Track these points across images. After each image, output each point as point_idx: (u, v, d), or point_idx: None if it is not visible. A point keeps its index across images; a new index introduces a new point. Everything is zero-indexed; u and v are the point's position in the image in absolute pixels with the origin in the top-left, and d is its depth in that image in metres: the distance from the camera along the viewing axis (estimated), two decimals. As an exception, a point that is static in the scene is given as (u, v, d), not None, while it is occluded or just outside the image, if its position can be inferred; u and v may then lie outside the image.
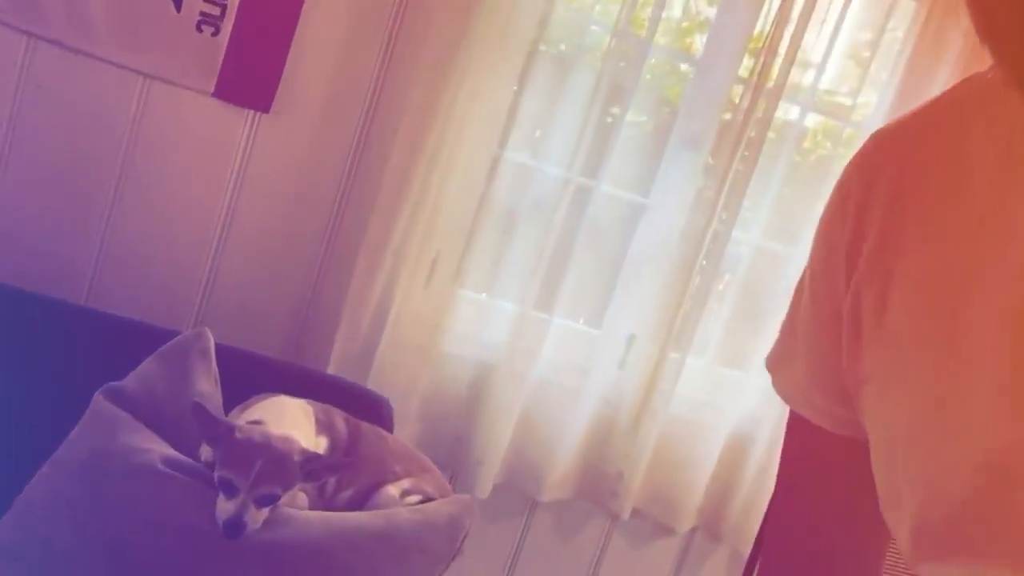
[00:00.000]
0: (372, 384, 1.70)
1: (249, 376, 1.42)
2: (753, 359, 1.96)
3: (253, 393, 1.36)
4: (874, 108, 1.94)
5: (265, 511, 1.16)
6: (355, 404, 1.44)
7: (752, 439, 1.95)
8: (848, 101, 1.99)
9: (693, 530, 2.03)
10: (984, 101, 0.54)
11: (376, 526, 1.22)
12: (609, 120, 1.85)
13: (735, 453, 1.95)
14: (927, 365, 0.51)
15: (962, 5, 0.45)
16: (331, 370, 1.70)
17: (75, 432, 1.24)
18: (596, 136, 1.82)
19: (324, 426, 1.31)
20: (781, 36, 1.82)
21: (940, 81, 1.83)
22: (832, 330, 0.59)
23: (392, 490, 1.31)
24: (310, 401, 1.34)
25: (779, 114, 1.87)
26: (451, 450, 1.83)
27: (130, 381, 1.29)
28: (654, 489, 1.95)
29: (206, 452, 1.23)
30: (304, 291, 1.77)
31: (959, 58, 1.82)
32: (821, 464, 0.65)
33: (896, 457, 0.53)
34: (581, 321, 1.96)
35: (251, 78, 1.70)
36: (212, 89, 1.68)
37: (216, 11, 1.64)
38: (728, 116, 1.86)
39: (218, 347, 1.38)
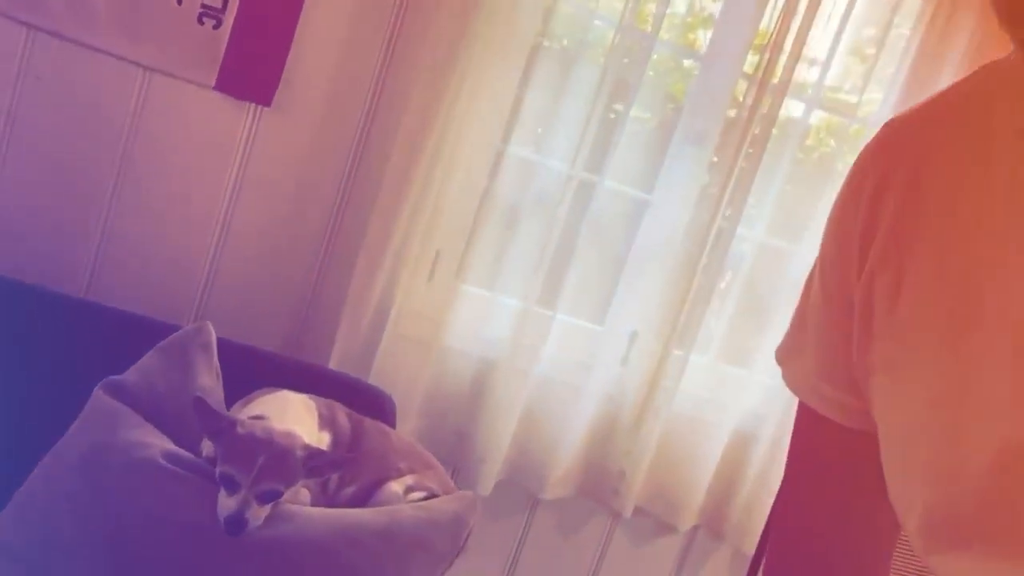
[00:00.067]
0: (373, 380, 1.69)
1: (250, 371, 1.41)
2: (756, 356, 1.95)
3: (254, 388, 1.34)
4: (879, 105, 1.93)
5: (267, 507, 1.15)
6: (357, 400, 1.43)
7: (755, 437, 1.94)
8: (853, 98, 1.98)
9: (695, 528, 2.02)
10: (1003, 87, 0.53)
11: (379, 523, 1.21)
12: (612, 116, 1.84)
13: (738, 451, 1.94)
14: (941, 355, 0.51)
15: (968, 2, 0.44)
16: (332, 366, 1.69)
17: (75, 426, 1.23)
18: (600, 132, 1.81)
19: (327, 421, 1.30)
20: (786, 32, 1.81)
21: (946, 78, 1.82)
22: (842, 320, 0.58)
23: (395, 487, 1.29)
24: (313, 396, 1.32)
25: (784, 111, 1.86)
26: (453, 447, 1.81)
27: (130, 375, 1.27)
28: (656, 487, 1.94)
29: (207, 447, 1.22)
30: (305, 286, 1.76)
31: (964, 56, 1.81)
32: (830, 456, 0.65)
33: (907, 448, 0.53)
34: (584, 318, 1.95)
35: (252, 71, 1.69)
36: (213, 82, 1.67)
37: (218, 3, 1.63)
38: (732, 113, 1.85)
39: (219, 342, 1.37)
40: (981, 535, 0.47)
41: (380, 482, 1.30)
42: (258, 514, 1.14)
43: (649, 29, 1.81)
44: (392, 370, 1.74)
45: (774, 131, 1.85)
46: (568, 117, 1.79)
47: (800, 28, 1.81)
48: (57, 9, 1.56)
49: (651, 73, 1.85)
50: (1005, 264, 0.49)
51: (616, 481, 1.90)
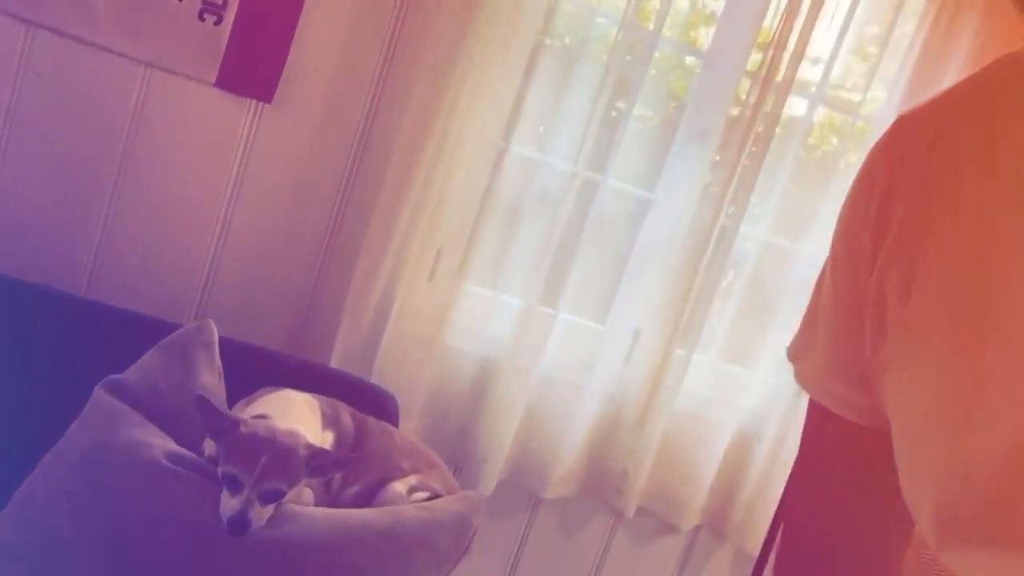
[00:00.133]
0: (375, 379, 1.68)
1: (252, 370, 1.40)
2: (759, 356, 1.95)
3: (256, 387, 1.34)
4: (883, 104, 1.93)
5: (270, 507, 1.14)
6: (360, 399, 1.42)
7: (758, 436, 1.94)
8: (857, 96, 1.97)
9: (697, 528, 2.02)
10: (1014, 81, 0.53)
11: (383, 524, 1.20)
12: (614, 114, 1.84)
13: (740, 450, 1.94)
14: (953, 352, 0.50)
15: (972, 1, 0.44)
16: (333, 365, 1.68)
17: (75, 425, 1.21)
18: (602, 130, 1.80)
19: (330, 421, 1.29)
20: (790, 30, 1.80)
21: (949, 77, 1.82)
22: (853, 318, 0.58)
23: (399, 487, 1.28)
24: (316, 395, 1.32)
25: (787, 109, 1.86)
26: (454, 446, 1.81)
27: (131, 374, 1.26)
28: (658, 486, 1.93)
29: (210, 447, 1.21)
30: (306, 284, 1.75)
31: (968, 55, 1.80)
32: (840, 454, 0.65)
33: (921, 442, 0.53)
34: (586, 316, 1.94)
35: (253, 68, 1.68)
36: (214, 79, 1.66)
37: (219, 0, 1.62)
38: (736, 111, 1.84)
39: (221, 340, 1.36)
40: (992, 531, 0.47)
41: (384, 482, 1.29)
42: (261, 514, 1.13)
43: (651, 27, 1.80)
44: (393, 369, 1.73)
45: (777, 130, 1.85)
46: (570, 115, 1.78)
47: (803, 26, 1.80)
48: (57, 6, 1.55)
49: (653, 71, 1.85)
50: (1016, 261, 0.48)
51: (618, 480, 1.89)
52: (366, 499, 1.28)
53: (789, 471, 1.86)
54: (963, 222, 0.52)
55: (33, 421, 1.27)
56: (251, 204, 1.71)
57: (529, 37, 1.72)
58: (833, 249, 0.62)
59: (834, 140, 2.03)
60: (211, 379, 1.27)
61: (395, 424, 1.48)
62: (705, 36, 1.94)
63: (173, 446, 1.17)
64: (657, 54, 1.83)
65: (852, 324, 0.58)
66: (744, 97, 1.84)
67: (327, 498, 1.25)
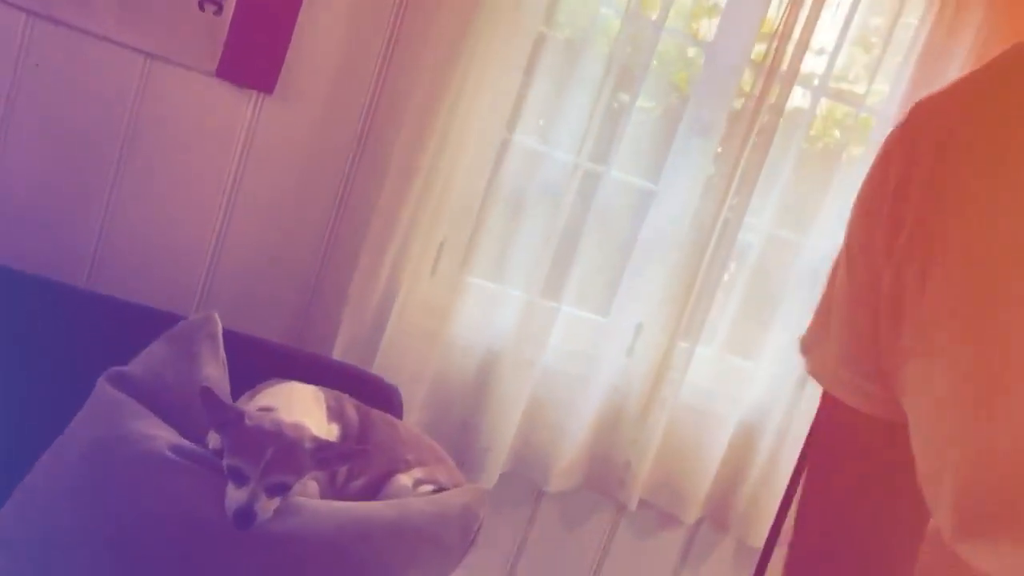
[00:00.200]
0: (377, 371, 1.67)
1: (256, 362, 1.39)
2: (762, 348, 1.95)
3: (260, 380, 1.33)
4: (887, 96, 1.92)
5: (276, 500, 1.14)
6: (364, 391, 1.41)
7: (760, 429, 1.94)
8: (861, 88, 1.97)
9: (700, 520, 2.02)
10: None
11: (389, 517, 1.19)
12: (616, 106, 1.83)
13: (743, 443, 1.94)
14: (976, 337, 0.50)
15: None
16: (336, 357, 1.67)
17: (78, 418, 1.21)
18: (605, 122, 1.79)
19: (335, 413, 1.28)
20: (794, 22, 1.79)
21: (953, 70, 1.82)
22: (869, 306, 0.58)
23: (404, 480, 1.28)
24: (321, 387, 1.31)
25: (791, 101, 1.85)
26: (457, 439, 1.80)
27: (135, 365, 1.25)
28: (661, 479, 1.93)
29: (214, 439, 1.20)
30: (309, 276, 1.74)
31: (972, 48, 1.80)
32: (854, 445, 0.65)
33: (940, 432, 0.52)
34: (589, 309, 1.94)
35: (254, 58, 1.67)
36: (215, 69, 1.65)
37: (219, -11, 1.61)
38: (739, 102, 1.84)
39: (224, 332, 1.35)
40: (1012, 521, 0.47)
41: (389, 475, 1.29)
42: (267, 507, 1.12)
43: (655, 17, 1.80)
44: (396, 361, 1.72)
45: (780, 121, 1.84)
46: (573, 107, 1.77)
47: (808, 17, 1.79)
48: (57, -6, 1.54)
49: (656, 62, 1.84)
50: None
51: (621, 473, 1.89)
52: (371, 492, 1.27)
53: (792, 463, 1.87)
54: (979, 211, 0.51)
55: (35, 414, 1.26)
56: (252, 196, 1.70)
57: (532, 28, 1.71)
58: (847, 240, 0.61)
59: (837, 132, 2.03)
60: (215, 371, 1.27)
61: (399, 416, 1.47)
62: (708, 27, 1.93)
63: (178, 439, 1.17)
64: (660, 45, 1.82)
65: (867, 315, 0.58)
66: (747, 89, 1.83)
67: (332, 491, 1.25)
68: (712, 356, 1.96)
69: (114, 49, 1.58)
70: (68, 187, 1.62)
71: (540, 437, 1.86)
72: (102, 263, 1.64)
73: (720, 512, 1.97)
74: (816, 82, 1.90)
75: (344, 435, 1.27)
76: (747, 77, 1.84)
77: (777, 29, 1.80)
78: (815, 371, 0.65)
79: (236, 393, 1.31)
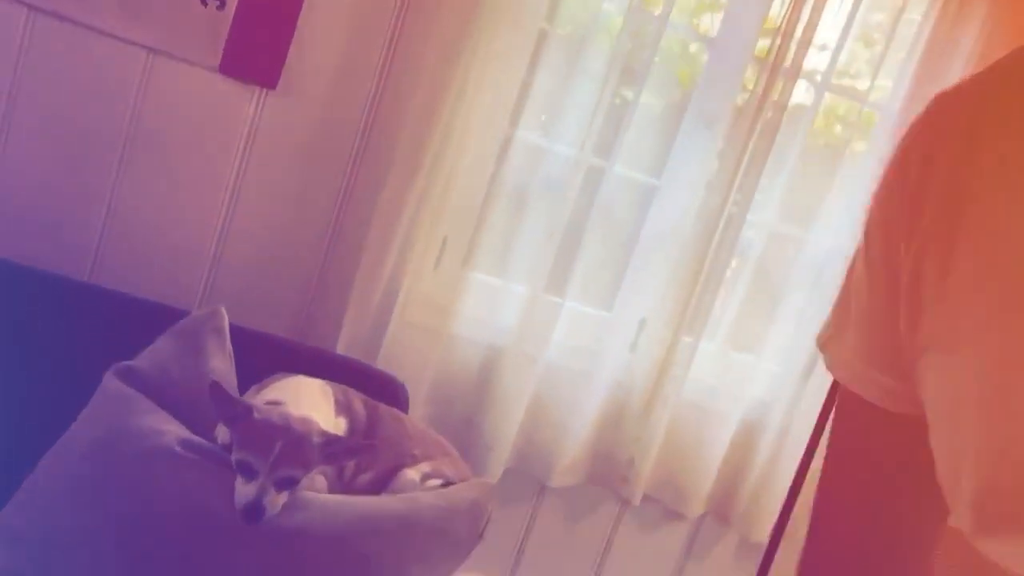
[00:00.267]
0: (381, 367, 1.67)
1: (263, 357, 1.38)
2: (765, 343, 1.95)
3: (266, 375, 1.32)
4: (890, 92, 1.93)
5: (284, 495, 1.13)
6: (369, 386, 1.41)
7: (763, 425, 1.94)
8: (864, 84, 1.97)
9: (702, 516, 2.02)
10: None
11: (398, 511, 1.19)
12: (617, 102, 1.83)
13: (746, 439, 1.94)
14: (993, 330, 0.50)
15: None
16: (339, 352, 1.66)
17: (86, 412, 1.20)
18: (608, 117, 1.79)
19: (343, 407, 1.28)
20: (797, 17, 1.79)
21: (956, 66, 1.82)
22: (888, 299, 0.57)
23: (412, 474, 1.28)
24: (329, 382, 1.30)
25: (794, 97, 1.85)
26: (460, 434, 1.80)
27: (141, 360, 1.25)
28: (664, 474, 1.94)
29: (222, 433, 1.19)
30: (312, 272, 1.74)
31: (976, 43, 1.80)
32: (872, 441, 0.64)
33: (960, 424, 0.52)
34: (592, 304, 1.94)
35: (257, 53, 1.66)
36: (217, 64, 1.64)
37: (222, -17, 1.60)
38: (742, 98, 1.84)
39: (231, 327, 1.34)
40: None
41: (396, 469, 1.28)
42: (276, 501, 1.12)
43: (659, 12, 1.80)
44: (400, 357, 1.72)
45: (784, 117, 1.84)
46: (577, 102, 1.77)
47: (811, 13, 1.80)
48: (59, -12, 1.53)
49: (659, 58, 1.84)
50: None
51: (625, 468, 1.89)
52: (379, 486, 1.27)
53: (795, 459, 1.87)
54: (1004, 200, 0.51)
55: (40, 408, 1.25)
56: (255, 192, 1.69)
57: (536, 20, 1.70)
58: (867, 229, 0.61)
59: (841, 128, 2.03)
60: (223, 365, 1.26)
61: (405, 412, 1.47)
62: (711, 22, 1.93)
63: (186, 433, 1.16)
64: (663, 41, 1.82)
65: (886, 305, 0.57)
66: (751, 84, 1.83)
67: (340, 485, 1.24)
68: (715, 352, 1.96)
69: (116, 44, 1.57)
70: (71, 183, 1.61)
71: (543, 433, 1.86)
72: (105, 258, 1.64)
73: (723, 507, 1.98)
74: (819, 78, 1.91)
75: (352, 429, 1.27)
76: (750, 73, 1.84)
77: (780, 24, 1.81)
78: (833, 366, 0.65)
79: (242, 387, 1.30)
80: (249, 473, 1.12)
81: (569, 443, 1.86)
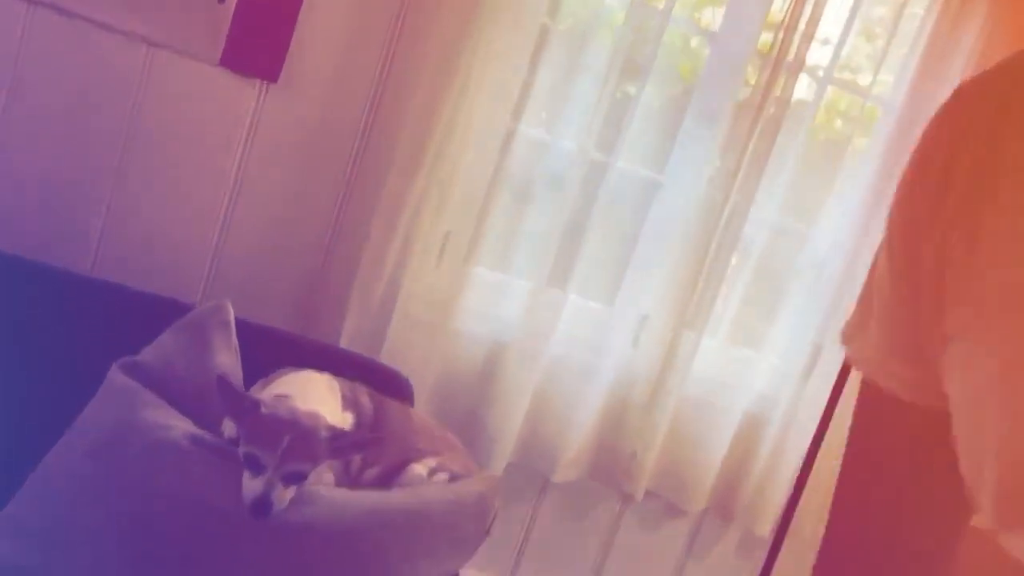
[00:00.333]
0: (384, 361, 1.66)
1: (268, 351, 1.38)
2: (767, 338, 1.95)
3: (271, 369, 1.32)
4: (892, 87, 1.93)
5: (292, 489, 1.12)
6: (374, 381, 1.40)
7: (766, 419, 1.94)
8: (866, 79, 1.97)
9: (704, 511, 2.02)
10: None
11: (407, 505, 1.19)
12: (619, 96, 1.82)
13: (748, 433, 1.94)
14: (1018, 320, 0.49)
15: None
16: (342, 347, 1.66)
17: (91, 406, 1.19)
18: (611, 112, 1.79)
19: (350, 402, 1.27)
20: (800, 12, 1.79)
21: (958, 60, 1.82)
22: (912, 291, 0.57)
23: (419, 468, 1.27)
24: (335, 376, 1.30)
25: (796, 92, 1.85)
26: (464, 428, 1.79)
27: (147, 354, 1.24)
28: (667, 469, 1.94)
29: (229, 428, 1.19)
30: (314, 266, 1.73)
31: (978, 38, 1.81)
32: (894, 434, 0.63)
33: (984, 416, 0.51)
34: (594, 299, 1.94)
35: (258, 46, 1.65)
36: (218, 58, 1.63)
37: (223, -24, 1.59)
38: (745, 93, 1.83)
39: (236, 321, 1.33)
40: None
41: (403, 463, 1.28)
42: (284, 496, 1.11)
43: (661, 7, 1.79)
44: (403, 351, 1.71)
45: (786, 112, 1.84)
46: (579, 97, 1.77)
47: (814, 7, 1.79)
48: (59, -19, 1.51)
49: (661, 53, 1.83)
50: None
51: (627, 463, 1.89)
52: (385, 481, 1.27)
53: (797, 453, 1.87)
54: None
55: (45, 403, 1.24)
56: (257, 186, 1.68)
57: (539, 15, 1.70)
58: (891, 220, 0.60)
59: (843, 123, 2.04)
60: (228, 359, 1.25)
61: (410, 406, 1.46)
62: (713, 17, 1.93)
63: (192, 428, 1.15)
64: (665, 36, 1.82)
65: (911, 297, 0.57)
66: (753, 80, 1.83)
67: (347, 480, 1.24)
68: (717, 347, 1.97)
69: (116, 38, 1.56)
70: (72, 177, 1.60)
71: (546, 427, 1.85)
72: (107, 252, 1.62)
73: (725, 502, 1.98)
74: (821, 73, 1.91)
75: (358, 424, 1.26)
76: (752, 68, 1.84)
77: (783, 19, 1.81)
78: (856, 360, 0.64)
79: (248, 382, 1.30)
80: (257, 468, 1.11)
81: (572, 438, 1.85)
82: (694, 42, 1.94)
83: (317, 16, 1.64)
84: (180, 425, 1.15)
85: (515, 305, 1.80)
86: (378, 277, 1.69)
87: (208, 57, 1.62)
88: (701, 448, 1.93)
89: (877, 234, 1.94)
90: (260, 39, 1.64)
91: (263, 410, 1.13)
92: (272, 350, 1.40)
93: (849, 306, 1.83)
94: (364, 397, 1.31)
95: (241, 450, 1.12)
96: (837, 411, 1.80)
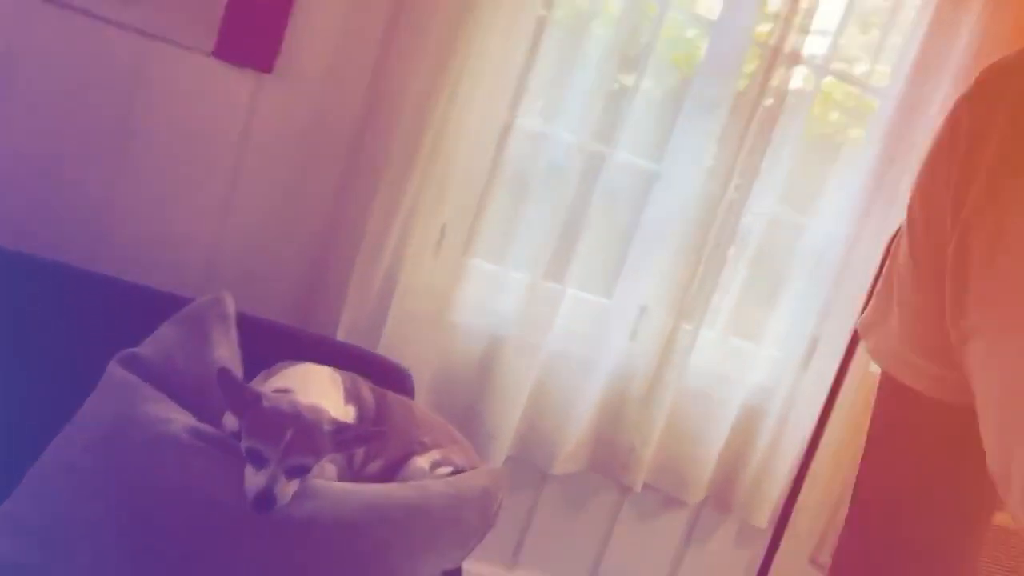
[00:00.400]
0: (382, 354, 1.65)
1: (267, 344, 1.36)
2: (766, 330, 1.95)
3: (270, 362, 1.30)
4: (890, 77, 1.93)
5: (295, 483, 1.11)
6: (375, 373, 1.39)
7: (764, 411, 1.94)
8: (864, 69, 1.97)
9: (702, 503, 2.02)
10: None
11: (410, 499, 1.17)
12: (616, 87, 1.81)
13: (747, 424, 1.94)
14: None
15: None
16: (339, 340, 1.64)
17: (91, 400, 1.17)
18: (609, 102, 1.78)
19: (352, 395, 1.26)
20: (797, 2, 1.79)
21: (957, 51, 1.82)
22: (932, 283, 0.56)
23: (421, 462, 1.26)
24: (337, 369, 1.28)
25: (794, 82, 1.85)
26: (462, 422, 1.78)
27: (146, 347, 1.22)
28: (666, 461, 1.93)
29: (230, 421, 1.17)
30: (311, 259, 1.71)
31: (976, 26, 1.81)
32: (914, 429, 0.62)
33: (1008, 414, 0.50)
34: (592, 291, 1.93)
35: (252, 37, 1.63)
36: (211, 48, 1.61)
37: (216, -35, 1.56)
38: (742, 83, 1.83)
39: (235, 314, 1.32)
40: None
41: (406, 457, 1.27)
42: (287, 490, 1.10)
43: (659, -2, 1.78)
44: (400, 345, 1.70)
45: (784, 103, 1.84)
46: (576, 88, 1.76)
47: (812, -2, 1.79)
48: (50, -31, 1.49)
49: (659, 43, 1.83)
50: None
51: (626, 455, 1.89)
52: (388, 474, 1.26)
53: (795, 444, 1.87)
54: None
55: (43, 398, 1.22)
56: (253, 178, 1.66)
57: (534, 8, 1.69)
58: (910, 211, 0.59)
59: (841, 114, 2.04)
60: (228, 352, 1.24)
61: (411, 399, 1.45)
62: (710, 6, 1.92)
63: (193, 421, 1.14)
64: (665, 26, 1.81)
65: (931, 289, 0.56)
66: (751, 70, 1.83)
67: (349, 473, 1.23)
68: (716, 338, 1.96)
69: (107, 28, 1.54)
70: (65, 170, 1.57)
71: (545, 420, 1.85)
72: (102, 246, 1.60)
73: (723, 494, 1.98)
74: (819, 63, 1.90)
75: (361, 417, 1.25)
76: (750, 58, 1.83)
77: (780, 9, 1.80)
78: (875, 353, 0.63)
79: (247, 375, 1.28)
80: (259, 461, 1.09)
81: (570, 430, 1.85)
82: (691, 32, 1.94)
83: (312, 6, 1.62)
84: (181, 419, 1.13)
85: (513, 298, 1.79)
86: (375, 270, 1.68)
87: (201, 48, 1.60)
88: (700, 439, 1.93)
89: (875, 225, 1.93)
90: (254, 29, 1.62)
91: (265, 403, 1.11)
92: (272, 343, 1.39)
93: (847, 296, 1.82)
94: (366, 390, 1.30)
95: (243, 444, 1.11)
96: (837, 403, 1.80)
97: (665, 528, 2.05)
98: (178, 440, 1.11)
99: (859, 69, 1.99)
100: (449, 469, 1.27)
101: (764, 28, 1.82)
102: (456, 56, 1.62)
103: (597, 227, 1.84)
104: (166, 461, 1.10)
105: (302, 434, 1.10)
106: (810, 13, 1.80)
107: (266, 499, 1.08)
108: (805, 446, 1.82)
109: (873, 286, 1.74)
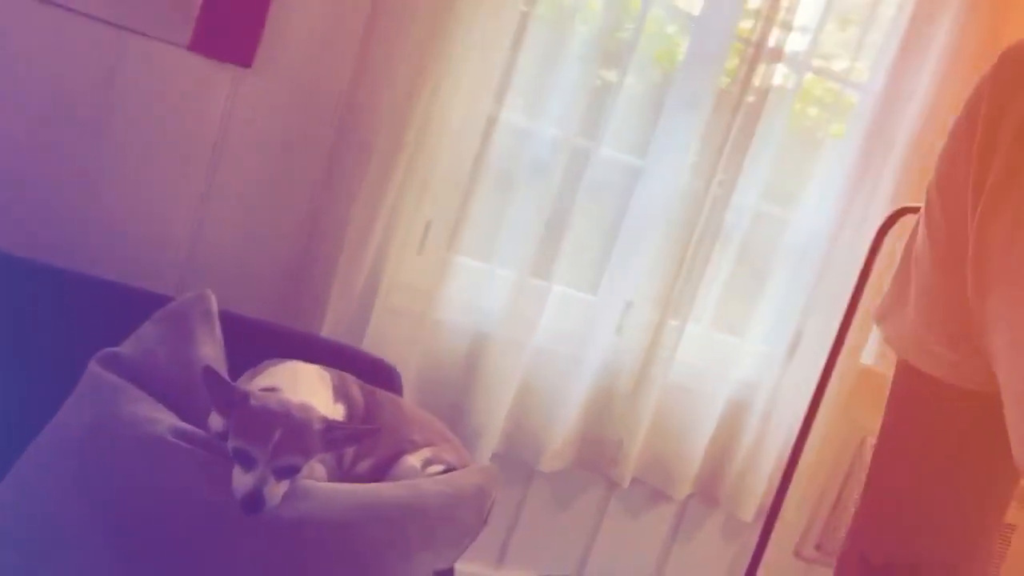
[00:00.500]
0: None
1: (252, 342, 1.33)
2: (750, 324, 1.96)
3: (256, 361, 1.27)
4: (870, 73, 1.94)
5: (285, 484, 1.08)
6: (362, 371, 1.36)
7: (749, 405, 1.95)
8: (843, 65, 1.98)
9: (689, 498, 2.02)
10: None
11: (403, 499, 1.15)
12: (599, 83, 1.81)
13: (732, 419, 1.94)
14: None
15: None
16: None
17: (70, 402, 1.14)
18: (592, 98, 1.77)
19: (340, 393, 1.23)
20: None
21: (936, 46, 1.84)
22: (952, 269, 0.55)
23: (412, 460, 1.24)
24: (324, 367, 1.26)
25: (776, 78, 1.85)
26: (448, 420, 1.75)
27: (127, 346, 1.19)
28: (652, 456, 1.93)
29: (216, 422, 1.14)
30: (293, 256, 1.68)
31: (955, 22, 1.82)
32: (931, 415, 0.62)
33: None
34: (578, 287, 1.92)
35: (230, 30, 1.60)
36: (187, 42, 1.57)
37: (193, -44, 1.53)
38: (725, 79, 1.83)
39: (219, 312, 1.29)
40: None
41: (396, 456, 1.24)
42: (276, 491, 1.07)
43: (642, -8, 1.78)
44: (384, 343, 1.68)
45: (766, 98, 1.85)
46: (559, 83, 1.75)
47: (793, -6, 1.80)
48: (22, -41, 1.45)
49: (641, 39, 1.82)
50: None
51: (613, 451, 1.88)
52: (379, 473, 1.23)
53: (780, 438, 1.87)
54: None
55: (21, 399, 1.18)
56: (232, 174, 1.63)
57: (516, 3, 1.67)
58: (929, 197, 0.58)
59: (822, 110, 2.05)
60: (212, 351, 1.21)
61: (399, 396, 1.43)
62: (691, 3, 1.92)
63: (178, 422, 1.11)
64: (645, 22, 1.81)
65: (951, 276, 0.55)
66: (733, 66, 1.83)
67: (339, 473, 1.20)
68: (701, 333, 1.96)
69: (82, 21, 1.50)
70: (39, 168, 1.53)
71: (531, 418, 1.84)
72: (78, 244, 1.56)
73: (710, 488, 1.98)
74: (800, 60, 1.91)
75: (350, 415, 1.23)
76: (732, 54, 1.83)
77: (761, 6, 1.80)
78: (892, 340, 0.62)
79: (232, 373, 1.25)
80: (247, 462, 1.07)
81: (557, 427, 1.84)
82: (673, 29, 1.93)
83: (292, -2, 1.59)
84: (165, 419, 1.10)
85: (498, 294, 1.78)
86: (359, 267, 1.65)
87: (177, 41, 1.56)
88: (686, 434, 1.93)
89: (857, 218, 1.94)
90: (232, 22, 1.59)
91: (252, 402, 1.09)
92: (258, 341, 1.36)
93: (830, 291, 1.82)
94: (355, 388, 1.27)
95: (230, 444, 1.08)
96: (824, 397, 1.81)
97: (652, 523, 2.05)
98: (163, 441, 1.08)
99: (839, 65, 2.00)
100: (440, 467, 1.26)
101: (746, 24, 1.82)
102: (439, 51, 1.60)
103: (582, 223, 1.83)
104: (151, 462, 1.07)
105: (291, 433, 1.08)
106: (791, 10, 1.81)
107: (255, 501, 1.05)
108: (793, 439, 1.82)
109: (860, 280, 1.75)
